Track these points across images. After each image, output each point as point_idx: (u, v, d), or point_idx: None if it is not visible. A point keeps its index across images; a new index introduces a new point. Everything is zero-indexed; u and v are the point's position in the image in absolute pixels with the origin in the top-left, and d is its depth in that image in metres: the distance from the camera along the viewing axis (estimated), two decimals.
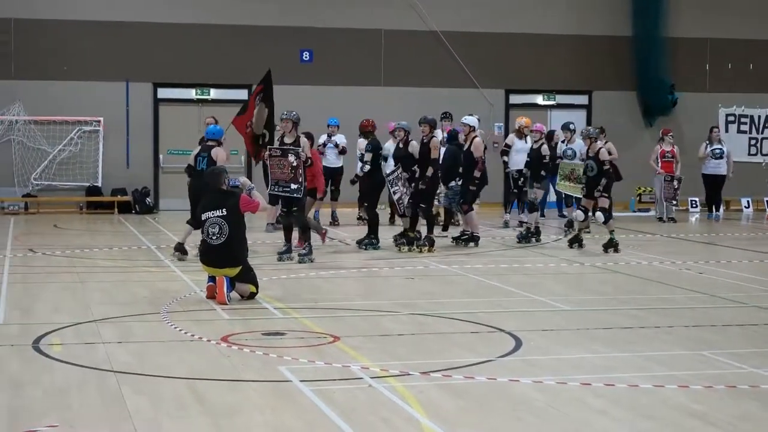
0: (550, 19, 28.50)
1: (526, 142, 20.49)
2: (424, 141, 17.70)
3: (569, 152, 20.21)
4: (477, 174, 18.34)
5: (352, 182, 19.15)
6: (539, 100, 29.44)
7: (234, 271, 12.65)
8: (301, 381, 8.66)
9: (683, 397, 8.33)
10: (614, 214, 21.76)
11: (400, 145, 17.74)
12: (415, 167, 17.35)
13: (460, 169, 18.25)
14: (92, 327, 11.16)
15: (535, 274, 15.76)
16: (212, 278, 12.75)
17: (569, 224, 20.62)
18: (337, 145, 22.03)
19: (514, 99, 29.14)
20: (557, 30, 28.54)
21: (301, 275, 15.16)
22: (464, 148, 18.43)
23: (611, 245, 17.96)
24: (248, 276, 12.80)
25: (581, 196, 18.92)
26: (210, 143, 16.71)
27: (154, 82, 26.92)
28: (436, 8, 27.69)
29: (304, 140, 16.39)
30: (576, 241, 18.66)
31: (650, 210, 26.40)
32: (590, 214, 18.31)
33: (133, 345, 10.26)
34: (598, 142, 18.61)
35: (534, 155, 19.42)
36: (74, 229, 22.02)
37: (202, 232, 12.73)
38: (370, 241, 17.98)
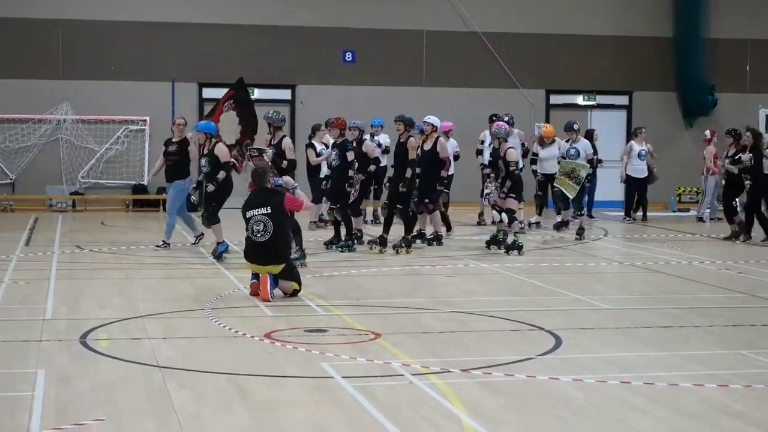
0: (591, 21, 28.39)
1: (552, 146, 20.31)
2: (401, 141, 17.38)
3: (572, 152, 19.66)
4: (444, 174, 18.04)
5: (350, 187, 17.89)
6: (579, 100, 29.35)
7: (277, 269, 12.68)
8: (342, 377, 8.67)
9: (723, 396, 8.28)
10: (655, 214, 21.76)
11: (401, 140, 17.38)
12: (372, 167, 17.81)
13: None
14: (138, 323, 11.22)
15: (574, 273, 15.70)
16: (256, 275, 12.80)
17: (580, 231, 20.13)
18: (380, 145, 21.89)
19: (555, 99, 29.07)
20: (598, 31, 28.44)
21: (344, 273, 15.17)
22: (428, 149, 17.75)
23: (514, 247, 17.31)
24: (291, 273, 12.84)
25: (572, 196, 18.92)
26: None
27: (199, 82, 27.02)
28: (477, 9, 27.64)
29: (287, 141, 16.07)
30: (495, 242, 17.81)
31: (689, 210, 26.24)
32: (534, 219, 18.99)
33: (177, 341, 10.31)
34: (509, 141, 17.89)
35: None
36: (120, 226, 22.15)
37: (247, 230, 12.79)
38: (345, 243, 17.32)
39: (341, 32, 27.39)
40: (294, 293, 12.77)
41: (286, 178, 15.61)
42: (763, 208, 19.34)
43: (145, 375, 8.83)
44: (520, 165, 17.77)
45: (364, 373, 8.92)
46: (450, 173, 20.13)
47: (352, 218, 17.44)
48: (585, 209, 21.03)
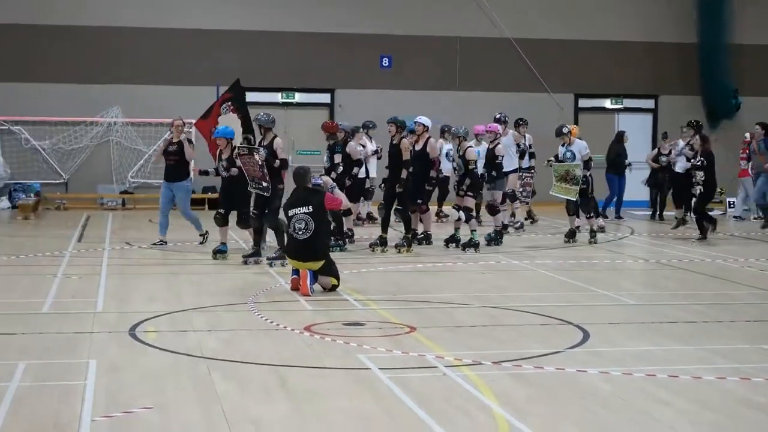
0: (618, 27, 28.29)
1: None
2: (393, 142, 17.01)
3: (568, 155, 18.59)
4: (433, 174, 17.56)
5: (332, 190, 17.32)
6: (607, 104, 29.26)
7: (317, 265, 12.72)
8: (379, 369, 8.69)
9: (745, 389, 8.23)
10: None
11: (394, 141, 17.00)
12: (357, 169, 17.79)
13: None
14: (184, 316, 11.29)
15: (601, 270, 15.64)
16: (296, 271, 12.84)
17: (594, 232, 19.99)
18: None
19: (583, 103, 29.00)
20: (625, 37, 28.34)
21: (380, 269, 15.18)
22: (419, 149, 17.18)
23: (470, 244, 17.03)
24: (330, 269, 12.87)
25: (574, 199, 18.02)
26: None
27: (243, 87, 27.05)
28: (509, 16, 27.61)
29: (278, 141, 15.55)
30: (453, 241, 17.56)
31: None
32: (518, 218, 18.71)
33: (222, 333, 10.36)
34: (466, 143, 17.47)
35: (488, 156, 18.33)
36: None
37: (288, 227, 12.84)
38: (336, 242, 16.39)
39: (379, 39, 27.42)
40: (333, 288, 12.80)
41: (325, 178, 15.64)
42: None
43: (190, 365, 8.88)
44: (499, 162, 17.89)
45: (400, 364, 8.94)
46: (445, 174, 20.06)
47: (343, 218, 17.14)
48: (596, 210, 20.34)
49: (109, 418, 7.20)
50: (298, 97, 27.47)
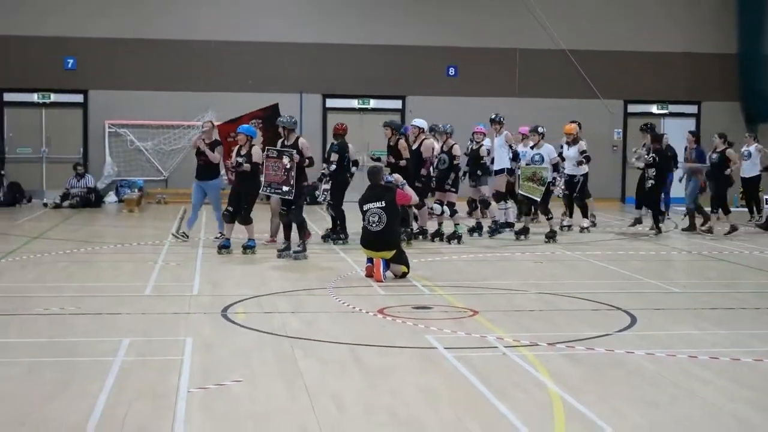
0: (664, 39, 28.07)
1: (567, 148, 18.84)
2: (390, 144, 16.41)
3: (537, 157, 17.22)
4: (424, 172, 16.44)
5: (320, 180, 16.88)
6: (654, 109, 28.99)
7: (389, 254, 12.74)
8: (444, 348, 8.67)
9: None
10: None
11: (390, 143, 16.40)
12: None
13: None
14: (270, 299, 11.34)
15: (648, 261, 15.48)
16: (370, 259, 12.87)
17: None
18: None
19: (632, 108, 28.78)
20: (670, 48, 28.12)
21: (446, 258, 15.16)
22: (414, 149, 16.49)
23: (454, 237, 16.61)
24: (401, 258, 12.88)
25: (538, 199, 17.15)
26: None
27: (323, 94, 27.27)
28: (564, 30, 27.50)
29: (303, 141, 14.87)
30: (438, 235, 16.94)
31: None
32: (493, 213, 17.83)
33: (304, 315, 10.40)
34: (451, 141, 16.97)
35: (473, 155, 17.80)
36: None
37: (363, 220, 12.88)
38: (338, 236, 16.32)
39: (446, 50, 27.45)
40: (403, 275, 12.80)
41: (396, 176, 15.57)
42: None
43: (275, 344, 8.92)
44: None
45: (463, 345, 8.91)
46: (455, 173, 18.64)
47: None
48: (584, 211, 19.43)
49: (203, 389, 7.26)
50: (373, 103, 27.54)
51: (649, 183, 18.50)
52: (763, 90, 28.14)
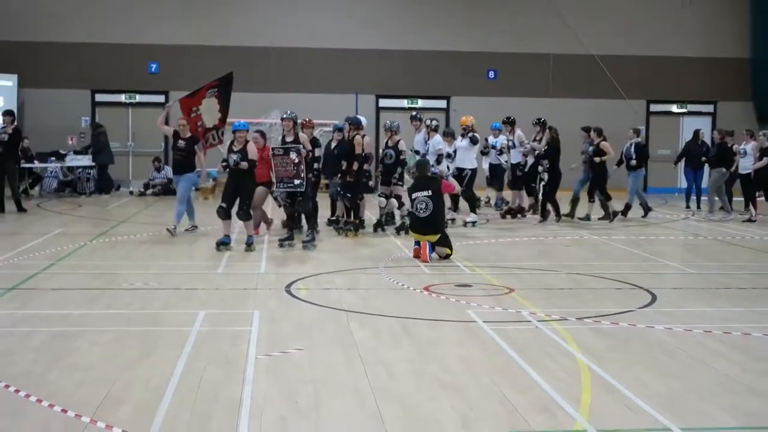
0: (683, 45, 27.80)
1: (461, 140, 17.00)
2: (347, 138, 15.35)
3: (428, 147, 16.00)
4: (355, 167, 15.08)
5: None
6: (674, 108, 28.71)
7: (435, 237, 12.76)
8: (484, 322, 8.66)
9: None
10: (735, 199, 20.92)
11: (347, 138, 15.41)
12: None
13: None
14: (328, 277, 11.39)
15: (666, 245, 15.34)
16: (417, 242, 12.92)
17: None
18: (494, 147, 19.97)
19: (654, 108, 28.54)
20: (689, 53, 27.85)
21: (485, 242, 15.12)
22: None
23: (403, 228, 15.40)
24: (445, 241, 12.89)
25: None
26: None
27: (376, 94, 27.29)
28: (593, 36, 27.31)
29: (303, 136, 13.99)
30: (380, 226, 15.91)
31: (762, 196, 25.33)
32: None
33: (358, 291, 10.44)
34: (396, 136, 15.78)
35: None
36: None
37: (412, 207, 12.92)
38: (312, 235, 14.07)
39: (486, 56, 27.39)
40: (447, 257, 12.81)
41: (440, 168, 15.53)
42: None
43: (333, 317, 8.97)
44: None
45: (501, 319, 8.90)
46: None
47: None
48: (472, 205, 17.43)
49: (269, 356, 7.31)
50: (421, 102, 27.50)
51: (545, 176, 17.88)
52: None
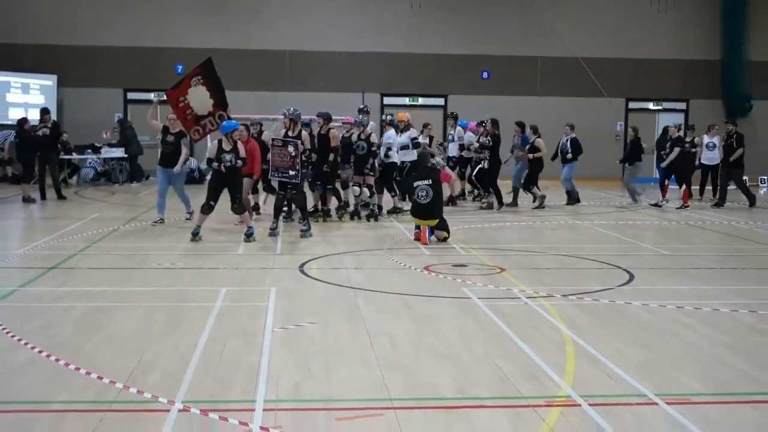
0: (659, 48, 27.71)
1: (399, 135, 16.32)
2: (321, 132, 14.71)
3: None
4: (331, 158, 14.71)
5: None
6: (650, 106, 28.62)
7: (434, 222, 12.77)
8: (478, 298, 8.67)
9: (752, 319, 8.01)
10: (708, 188, 20.89)
11: (321, 132, 14.79)
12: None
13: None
14: (337, 258, 11.40)
15: (643, 229, 15.32)
16: (418, 227, 12.92)
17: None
18: (454, 140, 19.11)
19: (632, 105, 28.45)
20: (665, 55, 27.76)
21: (478, 226, 15.11)
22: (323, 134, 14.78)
23: (372, 215, 15.19)
24: (443, 225, 12.90)
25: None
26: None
27: (381, 93, 27.24)
28: (577, 40, 27.21)
29: (304, 134, 13.39)
30: (356, 214, 15.41)
31: (729, 185, 25.33)
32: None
33: (364, 270, 10.44)
34: (368, 130, 15.36)
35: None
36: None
37: (413, 194, 12.91)
38: (308, 225, 13.41)
39: (480, 58, 27.32)
40: (444, 239, 12.81)
41: (437, 159, 15.47)
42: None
43: (342, 294, 8.97)
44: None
45: (493, 295, 8.90)
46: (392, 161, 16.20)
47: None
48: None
49: (284, 329, 7.33)
50: (421, 100, 27.47)
51: (485, 164, 17.54)
52: (741, 90, 27.74)
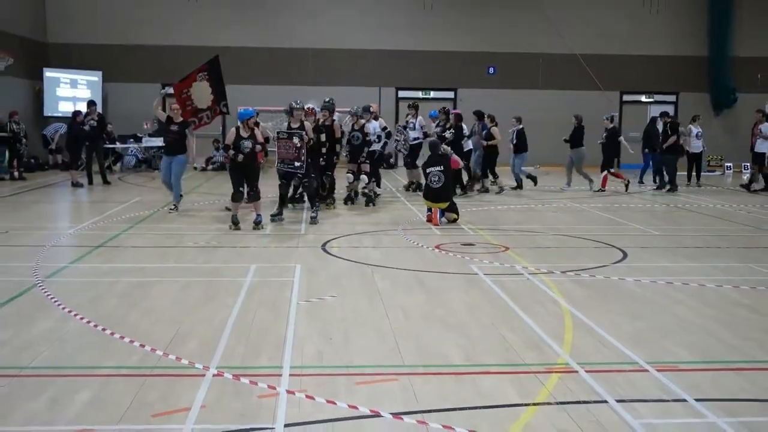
0: (651, 44, 27.38)
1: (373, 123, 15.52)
2: (326, 124, 14.01)
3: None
4: (338, 148, 14.36)
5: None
6: (643, 98, 28.34)
7: (445, 205, 12.76)
8: (484, 274, 8.66)
9: (736, 294, 7.97)
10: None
11: (326, 123, 14.08)
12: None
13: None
14: (356, 237, 11.41)
15: (636, 211, 15.23)
16: (429, 209, 12.90)
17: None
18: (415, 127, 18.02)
19: (626, 98, 28.18)
20: (656, 52, 27.41)
21: (485, 209, 15.08)
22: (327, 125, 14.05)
23: (371, 200, 14.75)
24: (453, 208, 12.89)
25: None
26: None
27: (396, 87, 27.12)
28: (576, 38, 26.94)
29: (307, 125, 12.83)
30: (349, 200, 15.02)
31: (715, 171, 25.25)
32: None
33: (381, 249, 10.45)
34: (362, 120, 14.78)
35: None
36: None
37: (426, 179, 12.89)
38: (316, 212, 12.85)
39: (487, 55, 27.10)
40: (454, 221, 12.79)
41: (445, 147, 15.27)
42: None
43: (360, 270, 8.99)
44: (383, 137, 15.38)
45: (498, 272, 8.89)
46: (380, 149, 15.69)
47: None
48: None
49: (308, 302, 7.35)
50: (433, 93, 27.32)
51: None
52: (726, 83, 27.48)
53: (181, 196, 14.18)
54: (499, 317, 6.87)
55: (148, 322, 6.64)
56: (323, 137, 13.61)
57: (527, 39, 27.11)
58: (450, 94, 27.45)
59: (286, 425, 4.49)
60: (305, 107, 13.48)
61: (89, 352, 5.83)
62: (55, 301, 7.26)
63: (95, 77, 25.73)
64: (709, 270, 9.21)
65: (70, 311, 6.92)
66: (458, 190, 16.53)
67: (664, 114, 19.93)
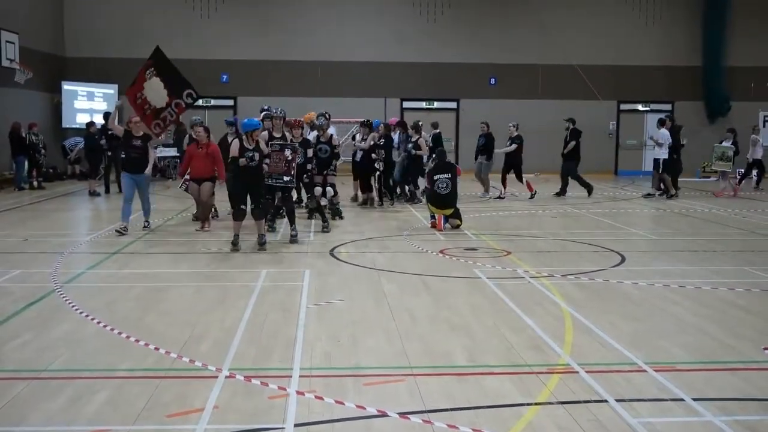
0: (647, 55, 27.35)
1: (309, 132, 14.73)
2: (323, 141, 13.68)
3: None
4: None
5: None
6: (639, 107, 28.29)
7: (449, 211, 12.75)
8: (486, 278, 8.65)
9: (731, 295, 7.93)
10: (687, 179, 20.70)
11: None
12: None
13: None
14: (363, 242, 11.40)
15: (634, 217, 15.20)
16: (433, 215, 12.87)
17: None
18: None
19: (623, 107, 28.12)
20: (652, 62, 27.38)
21: (487, 215, 15.06)
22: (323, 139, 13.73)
23: (337, 213, 14.06)
24: (457, 214, 12.88)
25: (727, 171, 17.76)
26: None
27: (401, 98, 27.13)
28: (574, 49, 26.90)
29: (288, 137, 12.13)
30: (317, 211, 13.18)
31: (710, 177, 25.19)
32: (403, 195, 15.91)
33: (387, 253, 10.44)
34: (330, 129, 14.23)
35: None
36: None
37: (433, 186, 12.83)
38: (295, 230, 11.44)
39: (488, 66, 27.10)
40: (458, 226, 12.78)
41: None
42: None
43: (367, 274, 8.98)
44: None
45: (500, 275, 8.87)
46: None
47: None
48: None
49: (317, 305, 7.34)
50: (436, 104, 27.32)
51: (379, 165, 15.80)
52: (721, 92, 27.42)
53: (143, 211, 12.70)
54: (502, 319, 6.85)
55: (163, 325, 6.64)
56: (310, 152, 12.51)
57: (526, 51, 27.11)
58: (453, 105, 27.47)
59: (296, 425, 4.48)
60: (289, 119, 12.74)
61: (106, 355, 5.83)
62: (73, 306, 7.26)
63: (111, 90, 25.83)
64: (705, 273, 9.17)
65: (87, 315, 6.93)
66: (385, 199, 16.16)
67: (568, 119, 19.13)
